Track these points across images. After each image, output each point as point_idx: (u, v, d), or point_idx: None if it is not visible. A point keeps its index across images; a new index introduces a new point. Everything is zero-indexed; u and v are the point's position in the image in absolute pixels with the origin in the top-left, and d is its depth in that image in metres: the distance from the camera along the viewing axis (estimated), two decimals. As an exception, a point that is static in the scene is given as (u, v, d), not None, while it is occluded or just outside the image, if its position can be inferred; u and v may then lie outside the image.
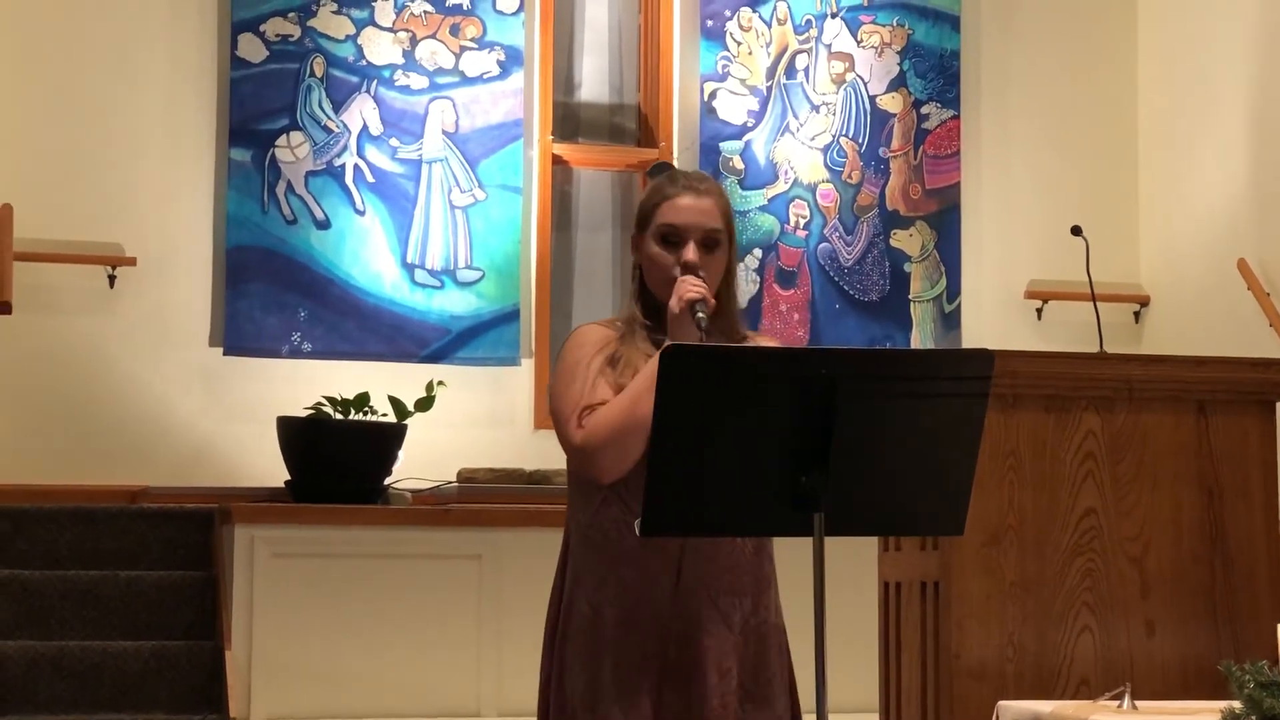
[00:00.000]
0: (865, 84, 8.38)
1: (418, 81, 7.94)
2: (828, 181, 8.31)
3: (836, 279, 8.26)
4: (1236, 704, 3.21)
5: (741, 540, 3.24)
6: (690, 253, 3.24)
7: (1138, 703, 3.40)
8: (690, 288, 3.18)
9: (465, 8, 8.00)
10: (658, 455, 2.91)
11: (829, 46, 8.35)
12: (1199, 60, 8.11)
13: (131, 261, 7.57)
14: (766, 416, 2.94)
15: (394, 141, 7.89)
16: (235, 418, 7.57)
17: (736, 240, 3.39)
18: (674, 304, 3.18)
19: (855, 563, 4.68)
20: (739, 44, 8.26)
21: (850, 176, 8.33)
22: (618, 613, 3.20)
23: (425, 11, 7.96)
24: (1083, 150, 8.49)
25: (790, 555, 3.46)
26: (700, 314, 3.16)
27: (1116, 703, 3.39)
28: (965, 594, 4.02)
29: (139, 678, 6.55)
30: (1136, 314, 8.37)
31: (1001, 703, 3.52)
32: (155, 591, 6.84)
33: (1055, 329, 8.20)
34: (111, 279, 7.55)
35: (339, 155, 7.83)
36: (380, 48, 7.91)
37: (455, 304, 7.89)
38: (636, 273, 3.34)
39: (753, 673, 3.22)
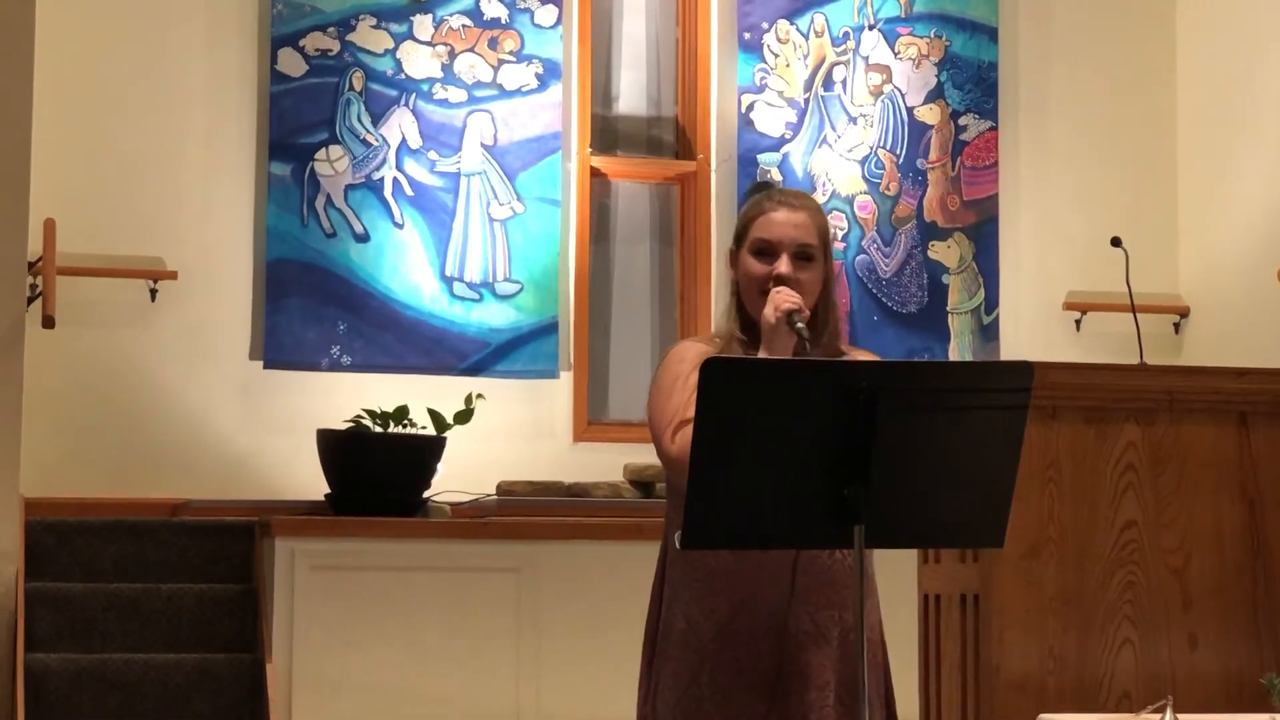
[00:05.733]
0: (903, 95, 8.38)
1: (456, 95, 7.96)
2: (865, 193, 8.31)
3: (874, 290, 8.26)
4: None
5: (841, 553, 3.24)
6: (783, 265, 3.26)
7: (1180, 716, 3.40)
8: (785, 298, 3.19)
9: (503, 21, 8.03)
10: (698, 467, 2.92)
11: (866, 58, 8.35)
12: (1238, 70, 8.08)
13: (172, 275, 7.60)
14: (807, 429, 2.93)
15: (433, 155, 7.91)
16: (275, 431, 7.60)
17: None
18: (769, 313, 3.20)
19: (895, 575, 4.69)
20: (776, 56, 8.26)
21: (888, 188, 8.33)
22: (715, 626, 3.21)
23: (464, 25, 7.98)
24: (1121, 161, 8.47)
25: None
26: (799, 323, 3.17)
27: (1159, 716, 3.39)
28: (1005, 606, 4.02)
29: (181, 690, 6.58)
30: (1176, 325, 8.35)
31: (1043, 716, 3.53)
32: (196, 604, 6.87)
33: (1094, 340, 8.18)
34: (153, 293, 7.59)
35: (378, 169, 7.85)
36: (419, 61, 7.94)
37: (494, 317, 7.91)
38: (734, 288, 3.36)
39: (850, 686, 3.21)
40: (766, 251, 3.29)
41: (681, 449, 3.15)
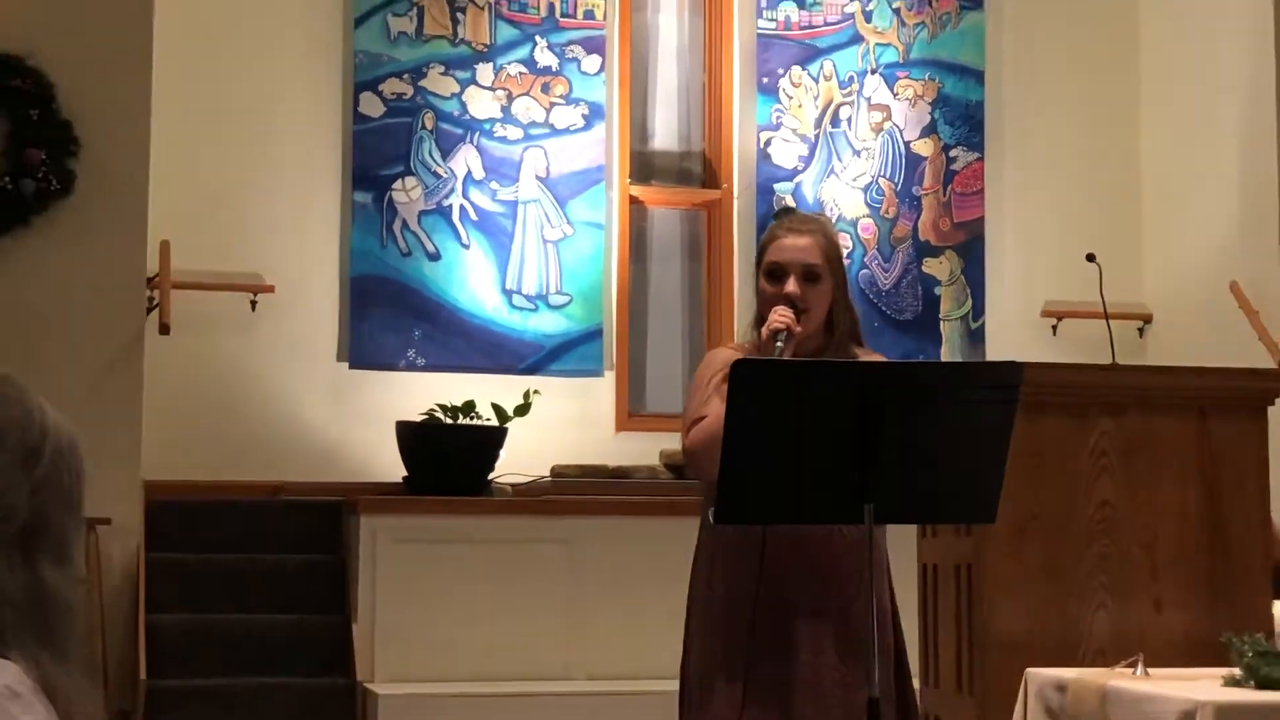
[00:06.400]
0: (900, 131, 8.34)
1: (514, 133, 7.95)
2: (868, 216, 8.27)
3: (876, 301, 8.22)
4: (1236, 671, 3.18)
5: (841, 532, 3.20)
6: (790, 285, 3.26)
7: (1149, 670, 3.35)
8: (778, 318, 3.20)
9: (554, 69, 8.01)
10: (729, 453, 2.92)
11: (869, 99, 8.31)
12: (1194, 108, 8.05)
13: (270, 289, 7.61)
14: (823, 420, 2.95)
15: (494, 185, 7.90)
16: (359, 422, 7.60)
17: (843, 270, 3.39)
18: (763, 331, 3.22)
19: (898, 547, 4.63)
20: (790, 98, 8.23)
21: (887, 212, 8.29)
22: (723, 593, 3.20)
23: (520, 72, 7.97)
24: (1092, 186, 8.42)
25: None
26: (779, 343, 3.18)
27: (1131, 670, 3.34)
28: (996, 575, 3.98)
29: (279, 646, 6.59)
30: (1140, 330, 8.29)
31: (1029, 670, 3.48)
32: (292, 573, 6.88)
33: (1068, 343, 8.12)
34: (253, 304, 7.60)
35: (447, 197, 7.85)
36: (481, 104, 7.93)
37: (547, 324, 7.90)
38: (759, 303, 3.36)
39: (852, 648, 3.18)
40: (776, 274, 3.30)
41: (691, 443, 3.21)
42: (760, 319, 3.34)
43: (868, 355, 3.39)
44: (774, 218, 3.54)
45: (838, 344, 3.33)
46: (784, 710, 3.14)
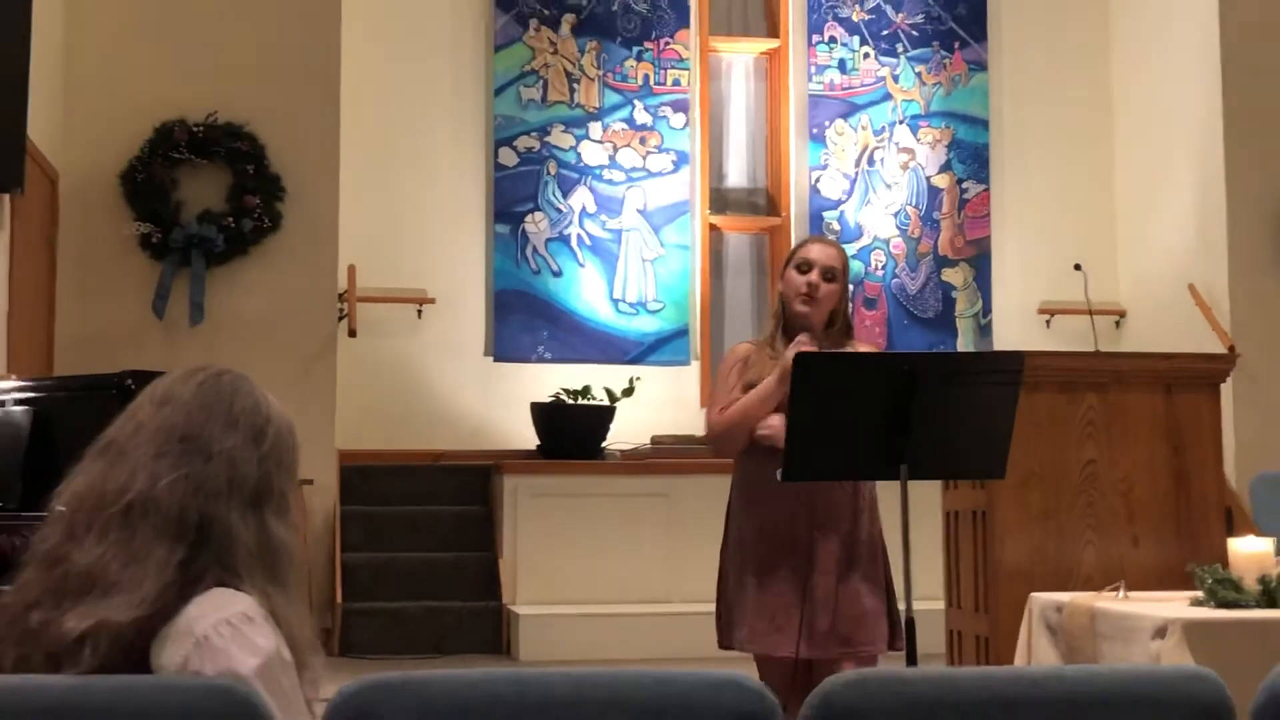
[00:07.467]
0: (923, 169, 8.25)
1: (618, 176, 7.95)
2: (897, 236, 8.19)
3: (904, 303, 8.14)
4: (1199, 593, 3.12)
5: (840, 487, 3.18)
6: (814, 275, 3.24)
7: (1129, 594, 3.31)
8: (803, 345, 3.17)
9: (649, 125, 8.00)
10: (794, 425, 2.89)
11: (897, 144, 8.23)
12: (1158, 144, 7.90)
13: (432, 300, 7.67)
14: (867, 399, 2.92)
15: (603, 217, 7.90)
16: (502, 404, 7.64)
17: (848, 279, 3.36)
18: (788, 352, 3.16)
19: (927, 498, 4.59)
20: (835, 144, 8.17)
21: (913, 233, 8.20)
22: (755, 532, 3.19)
23: (623, 128, 7.97)
24: (1076, 209, 8.30)
25: (886, 495, 3.39)
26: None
27: (1114, 594, 3.29)
28: (1005, 519, 3.93)
29: (443, 577, 6.65)
30: (1117, 323, 8.15)
31: (1032, 594, 3.44)
32: (453, 520, 6.93)
33: (1059, 334, 8.01)
34: (419, 312, 7.66)
35: (566, 227, 7.86)
36: (593, 154, 7.93)
37: (646, 325, 7.89)
38: (780, 300, 3.33)
39: (849, 565, 3.18)
40: (804, 268, 3.27)
41: (714, 428, 3.21)
42: (787, 302, 3.28)
43: (855, 347, 3.32)
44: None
45: (835, 336, 3.29)
46: (805, 618, 3.12)
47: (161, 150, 6.53)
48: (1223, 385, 4.20)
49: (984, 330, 8.20)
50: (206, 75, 6.60)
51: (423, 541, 6.79)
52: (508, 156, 7.83)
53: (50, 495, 1.69)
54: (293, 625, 1.64)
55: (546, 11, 7.90)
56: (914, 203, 8.24)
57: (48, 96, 6.14)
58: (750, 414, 3.12)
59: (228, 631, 1.56)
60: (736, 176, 8.36)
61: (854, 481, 3.21)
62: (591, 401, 7.21)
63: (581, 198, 7.90)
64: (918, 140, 8.28)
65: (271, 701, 1.52)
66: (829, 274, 3.26)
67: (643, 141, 8.01)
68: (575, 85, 7.94)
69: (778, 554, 3.16)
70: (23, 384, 3.26)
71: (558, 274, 7.82)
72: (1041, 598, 3.38)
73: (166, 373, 1.76)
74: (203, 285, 6.49)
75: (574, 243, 7.86)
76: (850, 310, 3.39)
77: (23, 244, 5.71)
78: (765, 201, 8.34)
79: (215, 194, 6.62)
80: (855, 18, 8.23)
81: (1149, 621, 2.94)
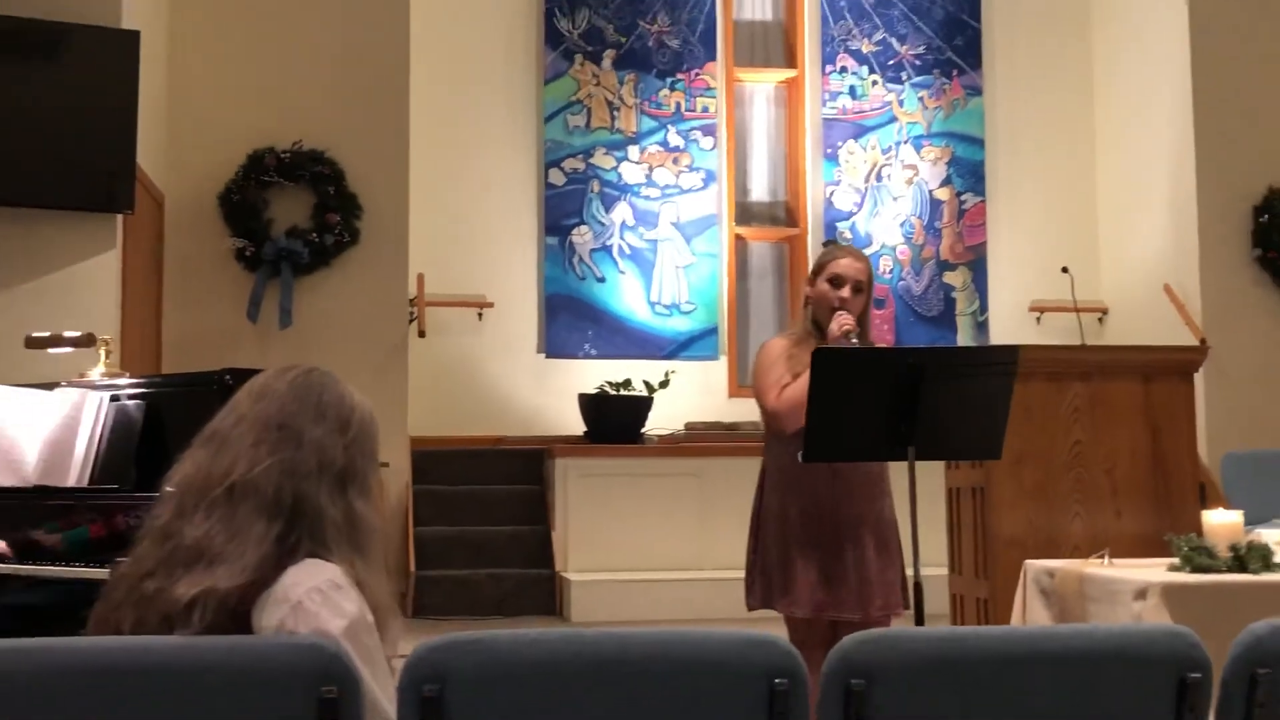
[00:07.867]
0: (926, 183, 8.21)
1: (654, 193, 7.95)
2: (903, 243, 8.15)
3: (909, 303, 8.10)
4: (1176, 560, 3.10)
5: (870, 472, 3.17)
6: (845, 292, 3.21)
7: (1114, 560, 3.28)
8: (846, 320, 3.15)
9: (681, 147, 8.00)
10: (814, 412, 2.88)
11: (902, 161, 8.19)
12: (1136, 158, 7.83)
13: (491, 305, 7.70)
14: (879, 388, 2.89)
15: (641, 229, 7.91)
16: (553, 394, 7.66)
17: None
18: (834, 329, 3.14)
19: (932, 476, 4.56)
20: (847, 162, 8.14)
21: (917, 240, 8.16)
22: (798, 510, 3.17)
23: (658, 150, 7.97)
24: (1063, 217, 8.23)
25: (896, 475, 3.39)
26: (853, 338, 3.13)
27: (1100, 560, 3.27)
28: (1001, 494, 3.91)
29: (503, 547, 6.67)
30: (1100, 319, 8.08)
31: (1027, 561, 3.42)
32: (511, 497, 6.96)
33: (1048, 330, 7.96)
34: (480, 315, 7.69)
35: (609, 239, 7.87)
36: (632, 173, 7.94)
37: (679, 325, 7.89)
38: (808, 303, 3.28)
39: (877, 546, 3.17)
40: (836, 282, 3.23)
41: (780, 404, 3.13)
42: (817, 311, 3.24)
43: (878, 344, 3.31)
44: (824, 244, 3.47)
45: (864, 336, 3.27)
46: (842, 589, 3.11)
47: (254, 174, 6.60)
48: (1195, 374, 4.16)
49: (981, 327, 8.16)
50: (292, 108, 6.65)
51: (485, 516, 6.83)
52: (556, 177, 7.85)
53: (159, 479, 1.71)
54: (374, 591, 1.66)
55: (590, 48, 7.92)
56: (918, 213, 8.20)
57: (154, 128, 6.21)
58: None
59: (319, 597, 1.58)
60: (759, 192, 8.34)
61: (879, 467, 3.18)
62: (632, 392, 7.22)
63: (621, 212, 7.91)
64: (921, 158, 8.23)
65: (357, 658, 1.54)
66: (858, 287, 3.24)
67: (675, 162, 8.01)
68: (615, 113, 7.94)
69: (823, 530, 3.14)
70: (135, 381, 3.30)
71: (601, 280, 7.83)
72: (1035, 564, 3.36)
73: (261, 370, 1.78)
74: (291, 293, 6.55)
75: (615, 252, 7.87)
76: (870, 316, 3.36)
77: (133, 258, 5.78)
78: (785, 214, 8.31)
79: (301, 212, 6.67)
80: (864, 49, 8.20)
81: (1131, 585, 2.92)
